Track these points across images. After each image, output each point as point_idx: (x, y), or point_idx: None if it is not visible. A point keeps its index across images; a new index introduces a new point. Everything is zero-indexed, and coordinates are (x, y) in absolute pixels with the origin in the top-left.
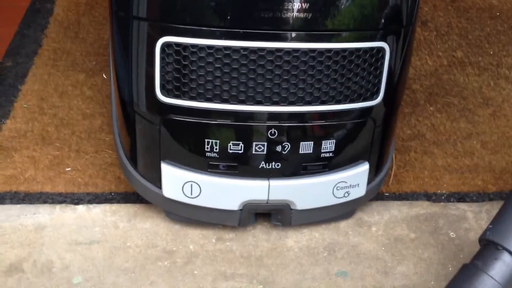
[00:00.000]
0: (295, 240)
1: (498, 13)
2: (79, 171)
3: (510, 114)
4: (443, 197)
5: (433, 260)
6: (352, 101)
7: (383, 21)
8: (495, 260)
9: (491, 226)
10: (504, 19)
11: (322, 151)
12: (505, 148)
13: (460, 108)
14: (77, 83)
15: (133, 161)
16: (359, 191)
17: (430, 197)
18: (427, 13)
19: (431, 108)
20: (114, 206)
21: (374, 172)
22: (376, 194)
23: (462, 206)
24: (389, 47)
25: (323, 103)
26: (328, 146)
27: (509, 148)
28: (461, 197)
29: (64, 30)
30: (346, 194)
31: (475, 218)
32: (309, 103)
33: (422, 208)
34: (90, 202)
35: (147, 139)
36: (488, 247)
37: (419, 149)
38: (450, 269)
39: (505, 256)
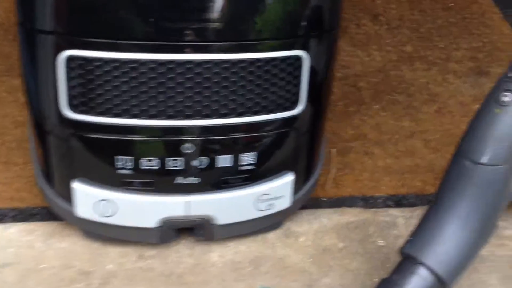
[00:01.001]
0: (220, 254)
1: (451, 4)
2: (5, 184)
3: (455, 110)
4: (380, 201)
5: (360, 270)
6: (271, 111)
7: (299, 29)
8: (411, 275)
9: (410, 238)
10: (457, 10)
11: (242, 164)
12: (447, 147)
13: (406, 106)
14: (12, 89)
15: (46, 177)
16: (284, 203)
17: (368, 201)
18: (379, 6)
19: (376, 107)
20: (32, 225)
21: (302, 180)
22: (305, 202)
23: (394, 211)
24: (308, 55)
25: (240, 115)
26: (248, 158)
27: (451, 146)
28: (399, 200)
29: (4, 32)
30: (270, 207)
31: (406, 224)
32: (224, 115)
33: (353, 215)
34: (14, 218)
35: (57, 156)
36: (406, 260)
37: (361, 150)
38: (376, 279)
39: (422, 270)
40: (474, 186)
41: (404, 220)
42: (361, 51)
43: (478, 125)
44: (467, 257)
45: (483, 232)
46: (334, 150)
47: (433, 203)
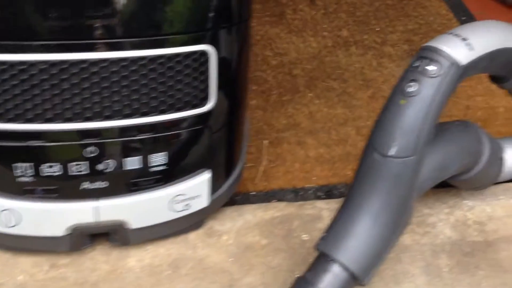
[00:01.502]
0: (138, 259)
1: None
2: None
3: (387, 94)
4: (310, 192)
5: (282, 267)
6: (178, 110)
7: (204, 23)
8: (325, 272)
9: (324, 235)
10: None
11: (152, 165)
12: None
13: (340, 92)
14: None
15: None
16: (201, 202)
17: (298, 193)
18: None
19: (310, 94)
20: None
21: (222, 177)
22: (228, 199)
23: (320, 204)
24: (215, 49)
25: (144, 115)
26: (159, 159)
27: None
28: (329, 190)
29: None
30: (187, 207)
31: (330, 216)
32: (127, 116)
33: (278, 210)
34: None
35: None
36: (320, 257)
37: (293, 140)
38: (297, 275)
39: (334, 267)
40: (383, 180)
41: (329, 213)
42: (296, 38)
43: (385, 117)
44: (379, 251)
45: (395, 225)
46: (266, 142)
47: (347, 196)
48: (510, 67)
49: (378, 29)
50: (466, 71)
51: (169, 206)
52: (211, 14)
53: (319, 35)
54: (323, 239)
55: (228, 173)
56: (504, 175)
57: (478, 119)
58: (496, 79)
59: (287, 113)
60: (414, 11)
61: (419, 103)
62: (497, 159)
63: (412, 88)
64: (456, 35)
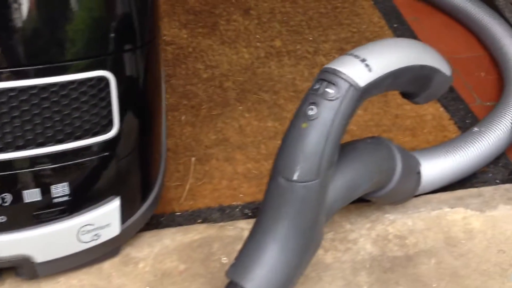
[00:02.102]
0: None
1: None
2: None
3: None
4: (237, 210)
5: None
6: (77, 138)
7: (101, 48)
8: None
9: (234, 262)
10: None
11: (54, 196)
12: None
13: (271, 105)
14: None
15: None
16: (112, 231)
17: (224, 211)
18: (251, 0)
19: (241, 108)
20: None
21: (137, 202)
22: (144, 224)
23: (241, 224)
24: (116, 74)
25: (40, 145)
26: (61, 190)
27: None
28: (256, 207)
29: None
30: (96, 237)
31: None
32: (22, 147)
33: (197, 232)
34: None
35: None
36: (229, 285)
37: (222, 156)
38: None
39: None
40: (289, 205)
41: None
42: (229, 49)
43: (288, 141)
44: (288, 277)
45: (303, 250)
46: (193, 159)
47: (255, 223)
48: (417, 84)
49: (311, 38)
50: (366, 93)
51: (77, 237)
52: (109, 39)
53: (252, 46)
54: (232, 266)
55: (143, 197)
56: (423, 188)
57: (407, 128)
58: (406, 95)
59: (217, 128)
60: (347, 19)
61: (319, 126)
62: (413, 174)
63: (312, 111)
64: (356, 56)
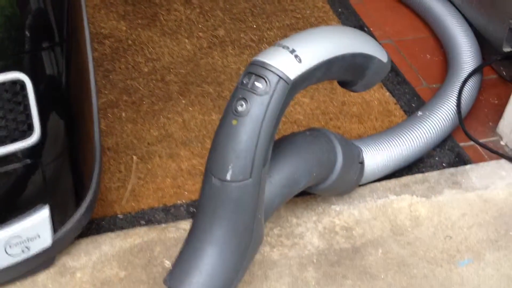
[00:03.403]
0: None
1: None
2: None
3: None
4: (182, 208)
5: None
6: None
7: (12, 47)
8: None
9: (171, 269)
10: None
11: None
12: None
13: (215, 97)
14: None
15: None
16: (43, 242)
17: (169, 211)
18: None
19: (184, 101)
20: None
21: (70, 209)
22: (79, 232)
23: (184, 224)
24: (32, 75)
25: None
26: None
27: None
28: None
29: None
30: (26, 249)
31: None
32: None
33: (138, 236)
34: None
35: None
36: None
37: (165, 152)
38: None
39: None
40: (223, 206)
41: None
42: (170, 40)
43: (218, 139)
44: (228, 281)
45: (243, 250)
46: (135, 158)
47: (191, 226)
48: (352, 72)
49: (255, 26)
50: (297, 85)
51: (4, 251)
52: (22, 38)
53: (194, 36)
54: (170, 273)
55: (76, 204)
56: (368, 177)
57: (353, 114)
58: (343, 84)
59: (159, 123)
60: (291, 5)
61: (250, 123)
62: (355, 164)
63: (242, 107)
64: (285, 46)
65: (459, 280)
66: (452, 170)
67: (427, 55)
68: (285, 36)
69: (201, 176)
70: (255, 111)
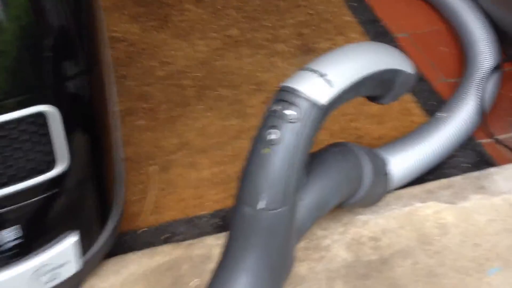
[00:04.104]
0: None
1: None
2: None
3: None
4: (205, 220)
5: None
6: (23, 179)
7: (35, 78)
8: None
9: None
10: None
11: (4, 241)
12: None
13: (232, 101)
14: None
15: None
16: (72, 268)
17: (192, 222)
18: None
19: (201, 107)
20: None
21: (96, 232)
22: (107, 252)
23: (210, 240)
24: (57, 108)
25: None
26: (11, 234)
27: None
28: (225, 215)
29: None
30: (55, 276)
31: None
32: None
33: (165, 254)
34: None
35: None
36: None
37: (185, 161)
38: None
39: None
40: (257, 234)
41: (219, 250)
42: (184, 42)
43: (250, 169)
44: None
45: (276, 277)
46: (155, 168)
47: (222, 255)
48: (381, 88)
49: (269, 24)
50: (329, 109)
51: (34, 280)
52: (44, 71)
53: (208, 37)
54: None
55: (101, 226)
56: (394, 185)
57: (373, 114)
58: (372, 98)
59: (178, 131)
60: (304, 0)
61: (282, 151)
62: (382, 176)
63: (273, 135)
64: (314, 70)
65: None
66: (476, 173)
67: (444, 48)
68: (300, 34)
69: (223, 185)
70: (287, 139)
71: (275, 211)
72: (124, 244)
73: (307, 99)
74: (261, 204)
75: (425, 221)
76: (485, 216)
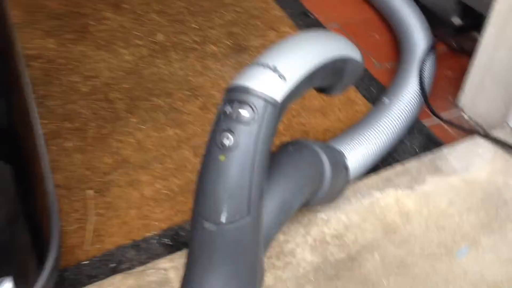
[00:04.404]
0: None
1: None
2: None
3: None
4: (153, 241)
5: None
6: None
7: None
8: None
9: None
10: None
11: None
12: None
13: (167, 110)
14: None
15: None
16: None
17: (140, 247)
18: None
19: (134, 120)
20: None
21: (34, 272)
22: None
23: (162, 263)
24: None
25: None
26: None
27: None
28: (175, 233)
29: None
30: None
31: (177, 277)
32: None
33: (114, 287)
34: None
35: None
36: None
37: (123, 181)
38: None
39: None
40: (221, 251)
41: (175, 272)
42: (107, 53)
43: (206, 179)
44: None
45: None
46: (90, 192)
47: (184, 279)
48: (331, 78)
49: (196, 26)
50: (285, 106)
51: None
52: None
53: (132, 45)
54: None
55: (38, 266)
56: (351, 178)
57: (316, 108)
58: (321, 90)
59: (111, 148)
60: None
61: (240, 157)
62: (341, 169)
63: (228, 140)
64: (263, 65)
65: (461, 271)
66: (430, 155)
67: (375, 36)
68: (230, 33)
69: (168, 201)
70: (244, 143)
71: (239, 222)
72: (65, 281)
73: (260, 97)
74: (223, 217)
75: (387, 211)
76: (445, 198)
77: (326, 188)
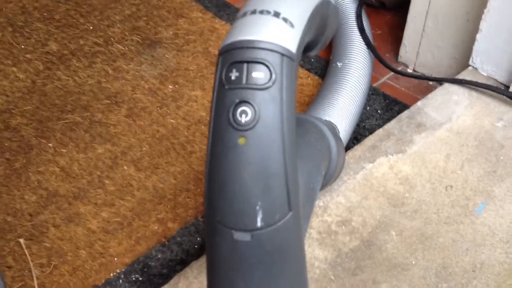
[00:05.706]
0: None
1: None
2: None
3: (149, 104)
4: (119, 282)
5: None
6: None
7: None
8: None
9: None
10: None
11: None
12: (165, 156)
13: (87, 126)
14: None
15: None
16: None
17: None
18: None
19: (51, 144)
20: None
21: None
22: None
23: None
24: None
25: None
26: None
27: (168, 154)
28: (144, 265)
29: None
30: None
31: None
32: None
33: None
34: None
35: None
36: None
37: (59, 218)
38: None
39: None
40: (260, 267)
41: None
42: None
43: (224, 174)
44: None
45: None
46: (21, 241)
47: None
48: (320, 26)
49: (91, 27)
50: (298, 58)
51: None
52: None
53: (21, 61)
54: None
55: None
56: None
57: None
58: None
59: (31, 184)
60: None
61: (266, 133)
62: (340, 142)
63: (245, 115)
64: (263, 12)
65: (487, 230)
66: (406, 113)
67: None
68: (135, 28)
69: (121, 229)
70: (267, 114)
71: (280, 223)
72: None
73: (275, 51)
74: (259, 221)
75: (385, 181)
76: (440, 153)
77: (334, 165)
